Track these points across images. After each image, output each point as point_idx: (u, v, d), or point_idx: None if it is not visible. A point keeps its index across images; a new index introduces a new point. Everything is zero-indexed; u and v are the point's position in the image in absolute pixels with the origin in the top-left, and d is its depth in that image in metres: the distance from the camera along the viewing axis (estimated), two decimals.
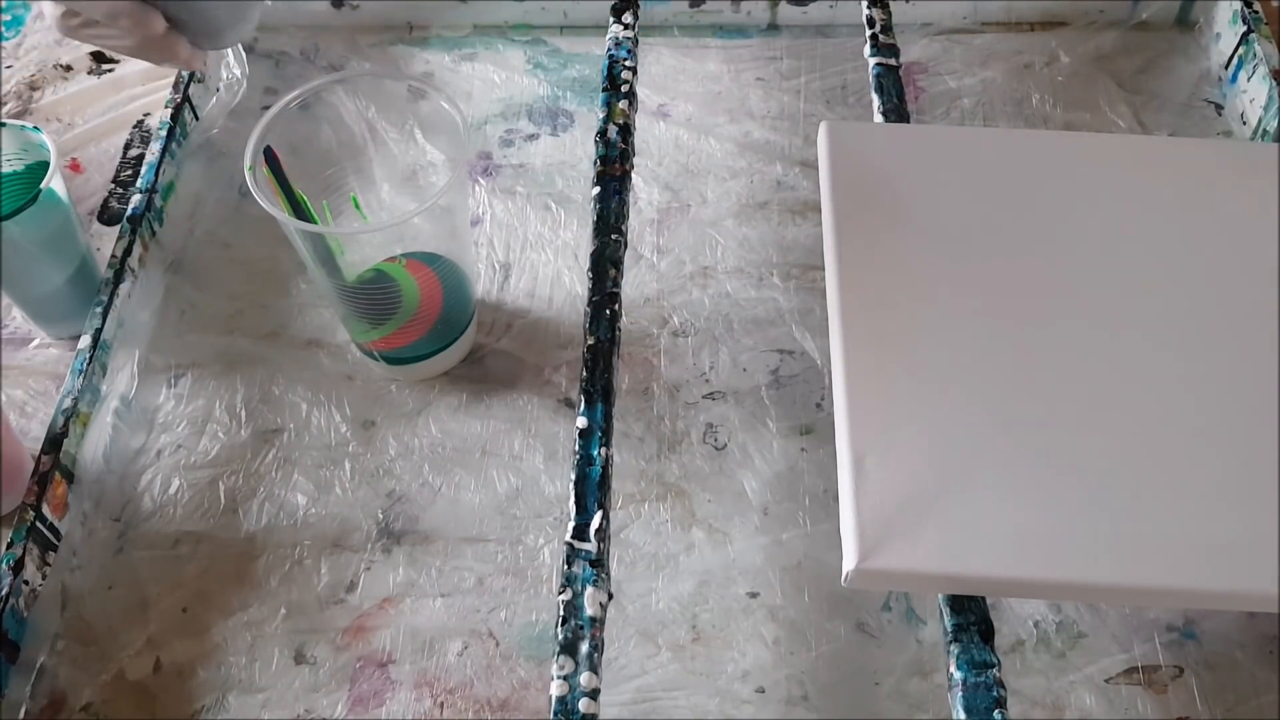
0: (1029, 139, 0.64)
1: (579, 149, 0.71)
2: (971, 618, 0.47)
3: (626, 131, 0.62)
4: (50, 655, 0.53)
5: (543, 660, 0.52)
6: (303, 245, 0.54)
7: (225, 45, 0.56)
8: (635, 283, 0.65)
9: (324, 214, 0.58)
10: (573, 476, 0.50)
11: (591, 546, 0.48)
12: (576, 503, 0.49)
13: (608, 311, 0.55)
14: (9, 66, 0.77)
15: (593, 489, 0.50)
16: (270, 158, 0.54)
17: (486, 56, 0.76)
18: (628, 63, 0.65)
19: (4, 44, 0.78)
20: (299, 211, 0.56)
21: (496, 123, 0.73)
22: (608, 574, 0.48)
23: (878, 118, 0.63)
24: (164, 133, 0.67)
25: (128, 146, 0.73)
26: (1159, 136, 0.69)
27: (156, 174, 0.66)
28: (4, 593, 0.51)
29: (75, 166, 0.72)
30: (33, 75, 0.77)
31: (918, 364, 0.52)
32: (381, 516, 0.57)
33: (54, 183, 0.58)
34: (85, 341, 0.59)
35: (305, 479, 0.58)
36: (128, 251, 0.62)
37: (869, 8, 0.67)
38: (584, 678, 0.45)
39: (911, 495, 0.48)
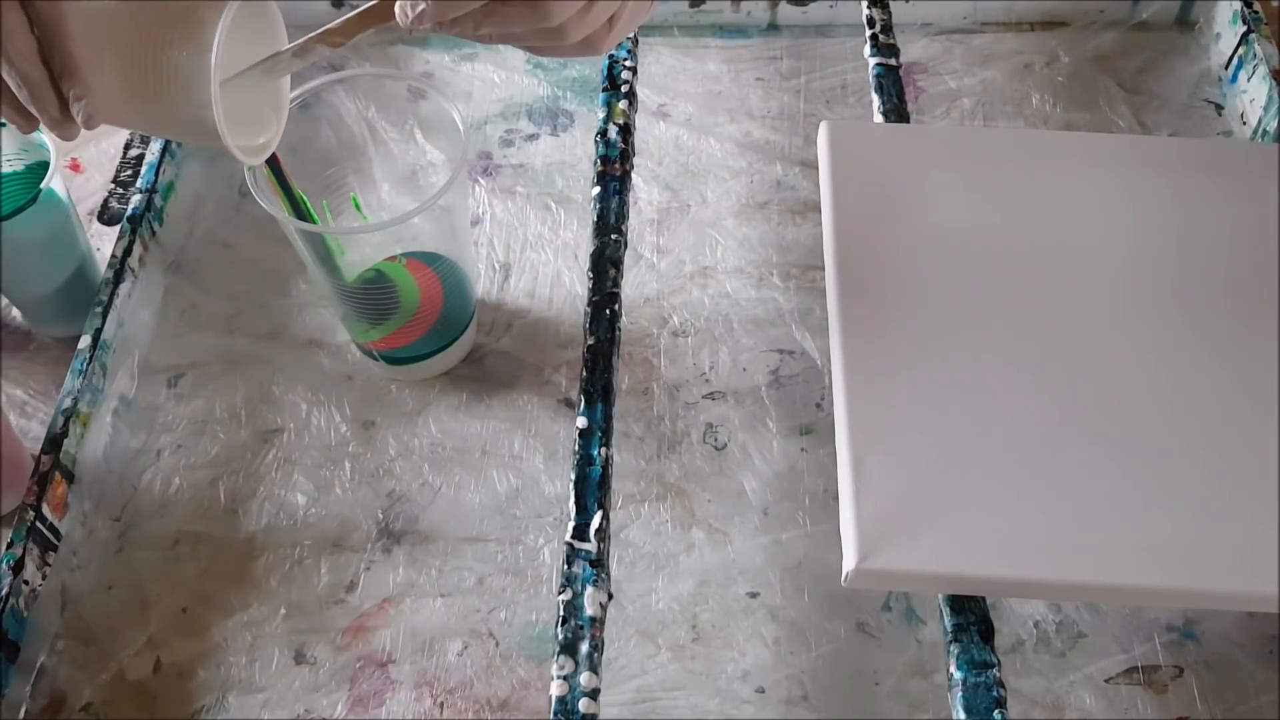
0: (1029, 139, 0.64)
1: (579, 149, 0.71)
2: (971, 618, 0.47)
3: (626, 131, 0.62)
4: (50, 655, 0.53)
5: (543, 660, 0.52)
6: (303, 245, 0.54)
7: None
8: (635, 283, 0.65)
9: (324, 214, 0.58)
10: (573, 476, 0.50)
11: (591, 546, 0.48)
12: (576, 503, 0.49)
13: (608, 311, 0.55)
14: None
15: (593, 489, 0.50)
16: (270, 158, 0.54)
17: (486, 56, 0.76)
18: (628, 63, 0.65)
19: None
20: (299, 211, 0.55)
21: (496, 123, 0.72)
22: (608, 574, 0.48)
23: (878, 118, 0.63)
24: None
25: (128, 146, 0.72)
26: (1159, 136, 0.69)
27: (156, 174, 0.66)
28: (4, 593, 0.51)
29: (75, 166, 0.72)
30: None
31: (917, 364, 0.52)
32: (381, 516, 0.57)
33: (54, 183, 0.58)
34: (85, 341, 0.59)
35: (305, 479, 0.58)
36: (128, 251, 0.62)
37: (869, 8, 0.67)
38: (584, 678, 0.45)
39: (911, 495, 0.48)
